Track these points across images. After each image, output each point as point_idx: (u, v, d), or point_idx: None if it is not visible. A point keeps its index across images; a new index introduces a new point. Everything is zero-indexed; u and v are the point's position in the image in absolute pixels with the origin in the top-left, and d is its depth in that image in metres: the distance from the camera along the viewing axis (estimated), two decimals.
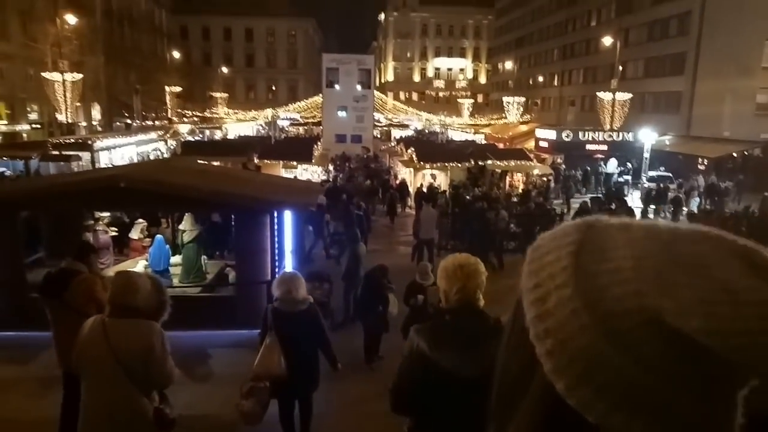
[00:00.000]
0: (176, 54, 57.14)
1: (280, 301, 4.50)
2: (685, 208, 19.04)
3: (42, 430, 4.38)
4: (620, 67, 34.55)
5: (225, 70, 60.40)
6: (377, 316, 7.31)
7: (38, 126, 34.18)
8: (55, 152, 21.63)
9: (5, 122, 32.41)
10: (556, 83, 52.88)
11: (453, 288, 2.50)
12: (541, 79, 56.50)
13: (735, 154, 28.51)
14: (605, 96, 32.59)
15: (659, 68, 36.77)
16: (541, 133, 34.10)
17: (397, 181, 23.04)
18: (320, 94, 44.73)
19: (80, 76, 29.63)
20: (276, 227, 8.78)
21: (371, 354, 7.37)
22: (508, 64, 59.36)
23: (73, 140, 24.36)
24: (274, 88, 67.43)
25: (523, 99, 47.87)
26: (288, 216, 9.89)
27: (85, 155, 22.14)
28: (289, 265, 10.25)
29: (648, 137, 25.32)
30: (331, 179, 21.81)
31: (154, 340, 3.20)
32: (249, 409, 4.32)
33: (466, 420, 2.00)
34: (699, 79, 32.63)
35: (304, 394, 4.83)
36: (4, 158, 21.46)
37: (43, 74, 29.37)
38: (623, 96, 32.17)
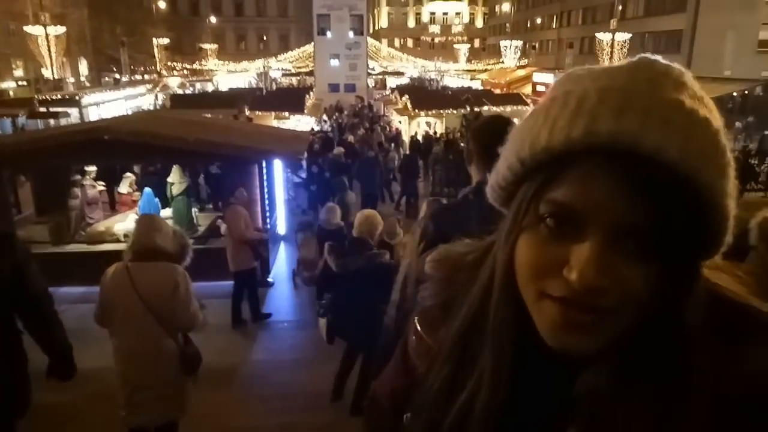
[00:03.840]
0: (162, 4, 55.25)
1: (324, 221, 7.12)
2: None
3: None
4: (620, 6, 33.52)
5: (213, 20, 58.53)
6: None
7: (24, 83, 33.44)
8: (43, 109, 21.15)
9: None
10: (554, 25, 51.39)
11: (357, 229, 4.67)
12: (539, 21, 54.79)
13: (735, 94, 28.00)
14: (604, 37, 31.77)
15: (660, 5, 35.63)
16: (538, 77, 33.48)
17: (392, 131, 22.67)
18: (312, 43, 43.54)
19: (63, 29, 28.70)
20: (265, 177, 8.66)
21: None
22: (506, 6, 57.51)
23: (60, 96, 23.82)
24: (265, 38, 65.41)
25: (520, 43, 46.69)
26: (278, 165, 9.76)
27: (74, 111, 21.68)
28: (281, 215, 10.20)
29: None
30: (325, 130, 21.46)
31: (178, 280, 3.20)
32: (310, 275, 6.76)
33: (351, 296, 4.49)
34: (701, 15, 31.64)
35: None
36: None
37: (24, 28, 28.48)
38: (623, 36, 31.36)
